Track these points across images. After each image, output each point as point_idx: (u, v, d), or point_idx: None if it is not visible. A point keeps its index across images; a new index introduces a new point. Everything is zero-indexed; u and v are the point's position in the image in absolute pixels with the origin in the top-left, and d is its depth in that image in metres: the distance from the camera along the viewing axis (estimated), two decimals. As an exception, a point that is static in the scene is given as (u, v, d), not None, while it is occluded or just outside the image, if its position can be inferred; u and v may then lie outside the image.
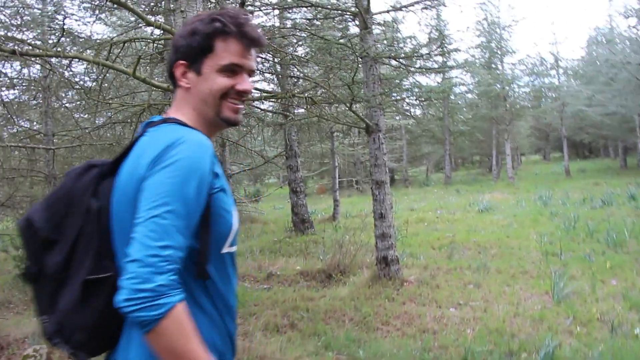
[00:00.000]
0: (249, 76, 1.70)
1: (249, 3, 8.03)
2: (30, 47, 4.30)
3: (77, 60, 5.92)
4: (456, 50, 8.77)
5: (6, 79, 8.87)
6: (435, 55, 7.97)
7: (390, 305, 7.18)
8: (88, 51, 7.05)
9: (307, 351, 5.60)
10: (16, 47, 3.80)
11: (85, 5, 8.27)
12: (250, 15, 1.69)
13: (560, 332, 5.77)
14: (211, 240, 1.52)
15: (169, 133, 1.52)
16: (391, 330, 6.27)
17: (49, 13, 10.01)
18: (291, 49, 9.31)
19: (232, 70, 1.64)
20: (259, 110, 10.85)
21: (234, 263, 1.67)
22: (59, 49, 4.20)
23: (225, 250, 1.59)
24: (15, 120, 10.98)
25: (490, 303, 7.02)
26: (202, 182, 1.45)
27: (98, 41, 6.76)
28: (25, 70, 10.74)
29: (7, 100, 10.39)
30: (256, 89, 9.21)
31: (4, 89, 10.65)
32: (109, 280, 1.46)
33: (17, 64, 9.64)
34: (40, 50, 3.94)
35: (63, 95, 11.25)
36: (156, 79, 9.18)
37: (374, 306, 7.12)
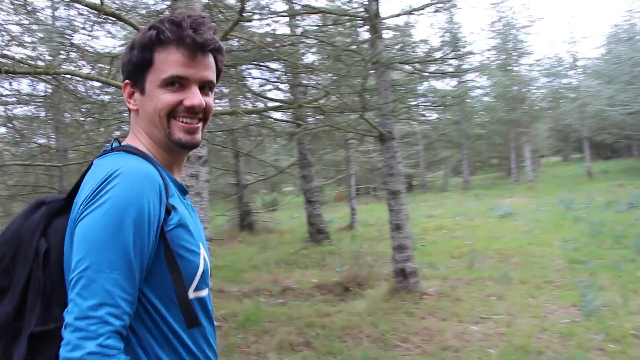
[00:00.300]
0: (206, 89, 1.45)
1: (257, 12, 7.82)
2: (21, 64, 4.11)
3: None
4: (471, 52, 8.47)
5: (7, 95, 8.67)
6: (449, 58, 7.68)
7: (409, 320, 6.88)
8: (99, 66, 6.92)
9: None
10: (3, 64, 3.60)
11: (90, 19, 8.13)
12: (204, 17, 1.41)
13: (591, 349, 5.41)
14: (169, 286, 1.30)
15: (108, 164, 1.29)
16: (410, 348, 5.97)
17: (58, 29, 9.90)
18: (302, 57, 9.08)
19: (177, 83, 1.39)
20: (271, 120, 10.65)
21: (206, 309, 1.44)
22: (51, 65, 4.03)
23: (191, 295, 1.35)
24: (29, 136, 10.91)
25: (515, 317, 6.69)
26: (145, 220, 1.23)
27: (101, 55, 6.59)
28: (41, 86, 10.64)
29: (22, 115, 10.33)
30: (265, 97, 9.00)
31: (17, 106, 10.58)
32: (58, 331, 1.25)
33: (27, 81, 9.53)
34: (29, 67, 3.75)
35: (77, 109, 11.15)
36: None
37: (392, 322, 6.83)
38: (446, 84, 30.46)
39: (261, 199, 30.15)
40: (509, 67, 31.41)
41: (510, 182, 32.17)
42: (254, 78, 8.81)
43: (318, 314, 7.44)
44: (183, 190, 1.50)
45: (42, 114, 11.57)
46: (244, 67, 7.37)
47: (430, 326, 6.58)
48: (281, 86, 12.33)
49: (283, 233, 17.23)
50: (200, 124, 1.45)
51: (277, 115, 10.87)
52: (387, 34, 9.51)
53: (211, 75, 1.46)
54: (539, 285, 8.12)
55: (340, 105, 6.87)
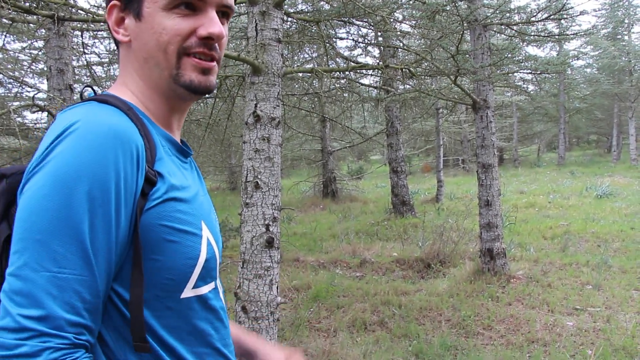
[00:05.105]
0: (223, 17, 1.05)
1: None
2: (75, 11, 3.86)
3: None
4: (583, 12, 7.58)
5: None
6: (556, 19, 6.91)
7: (493, 305, 6.36)
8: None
9: (394, 358, 4.96)
10: (56, 12, 3.36)
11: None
12: None
13: None
14: (152, 283, 0.93)
15: (66, 119, 0.91)
16: (494, 337, 5.48)
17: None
18: (392, 20, 8.49)
19: (190, 4, 0.99)
20: (358, 85, 10.16)
21: (211, 309, 1.04)
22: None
23: (189, 293, 0.98)
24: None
25: (614, 311, 6.02)
26: (110, 194, 0.86)
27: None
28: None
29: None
30: (353, 61, 8.52)
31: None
32: None
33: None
34: (86, 15, 3.48)
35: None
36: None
37: (475, 306, 6.33)
38: (546, 54, 28.63)
39: (347, 166, 29.87)
40: (618, 36, 29.05)
41: (610, 160, 30.03)
42: (341, 39, 8.35)
43: (395, 291, 7.06)
44: (183, 152, 1.11)
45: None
46: (329, 25, 6.91)
47: (517, 314, 6.06)
48: (371, 49, 11.81)
49: (366, 202, 16.84)
50: (215, 64, 1.05)
51: (365, 81, 10.37)
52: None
53: None
54: (643, 276, 7.35)
55: (431, 68, 6.31)
